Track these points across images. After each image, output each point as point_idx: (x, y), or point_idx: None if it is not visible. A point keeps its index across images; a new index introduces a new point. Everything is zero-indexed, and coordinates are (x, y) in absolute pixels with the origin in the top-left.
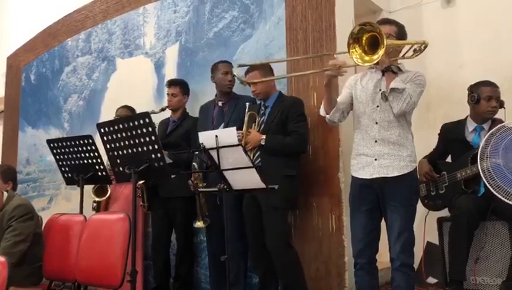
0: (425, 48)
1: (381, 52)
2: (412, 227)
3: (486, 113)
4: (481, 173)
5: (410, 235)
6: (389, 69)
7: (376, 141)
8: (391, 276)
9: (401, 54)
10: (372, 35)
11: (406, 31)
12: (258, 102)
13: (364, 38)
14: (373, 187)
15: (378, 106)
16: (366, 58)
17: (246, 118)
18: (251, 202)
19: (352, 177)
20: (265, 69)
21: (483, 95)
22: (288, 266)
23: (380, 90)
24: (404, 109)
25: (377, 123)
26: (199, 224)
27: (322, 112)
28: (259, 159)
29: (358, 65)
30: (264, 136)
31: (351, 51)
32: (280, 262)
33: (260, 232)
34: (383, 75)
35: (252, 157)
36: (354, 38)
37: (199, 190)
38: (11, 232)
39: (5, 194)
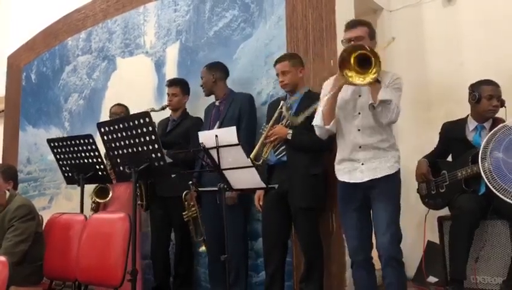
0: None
1: (375, 70)
2: (399, 223)
3: (488, 112)
4: (482, 173)
5: (398, 228)
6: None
7: (360, 147)
8: (382, 275)
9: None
10: (360, 54)
11: (374, 28)
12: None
13: (352, 58)
14: (360, 187)
15: (359, 113)
16: (360, 79)
17: (275, 115)
18: (275, 201)
19: (339, 181)
20: (296, 60)
21: (484, 94)
22: (315, 259)
23: (360, 96)
24: (394, 119)
25: (359, 130)
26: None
27: (318, 122)
28: (285, 154)
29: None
30: (290, 131)
31: (342, 75)
32: (309, 255)
33: (279, 230)
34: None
35: (275, 151)
36: (342, 63)
37: (200, 189)
38: (12, 232)
39: (7, 193)
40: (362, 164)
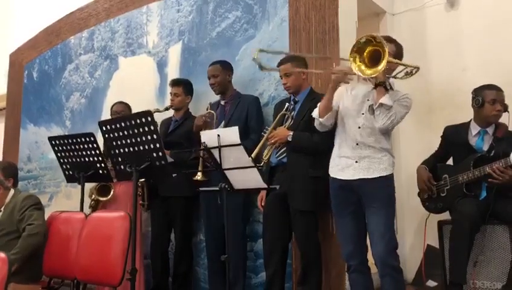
0: (416, 71)
1: (380, 68)
2: (394, 229)
3: (491, 117)
4: None
5: (392, 235)
6: (382, 84)
7: (357, 144)
8: (380, 284)
9: (393, 73)
10: (376, 49)
11: (403, 52)
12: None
13: (367, 50)
14: (353, 190)
15: (363, 114)
16: (368, 71)
17: (277, 118)
18: (276, 202)
19: (331, 178)
20: (299, 61)
21: (487, 99)
22: (312, 262)
23: (368, 100)
24: (387, 126)
25: (359, 127)
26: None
27: (315, 114)
28: (285, 156)
29: (359, 75)
30: (291, 133)
31: (351, 58)
32: (307, 258)
33: (279, 232)
34: (375, 88)
35: (276, 153)
36: (358, 48)
37: (200, 189)
38: (28, 219)
39: (12, 191)
40: (356, 162)
